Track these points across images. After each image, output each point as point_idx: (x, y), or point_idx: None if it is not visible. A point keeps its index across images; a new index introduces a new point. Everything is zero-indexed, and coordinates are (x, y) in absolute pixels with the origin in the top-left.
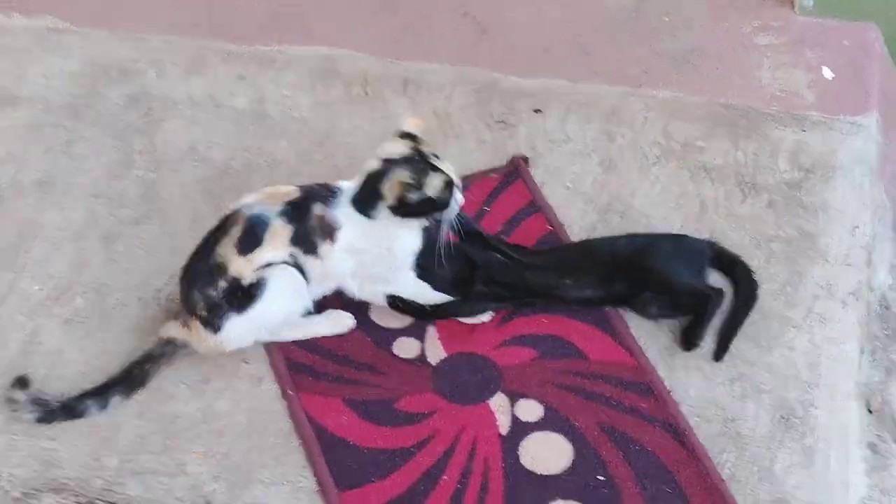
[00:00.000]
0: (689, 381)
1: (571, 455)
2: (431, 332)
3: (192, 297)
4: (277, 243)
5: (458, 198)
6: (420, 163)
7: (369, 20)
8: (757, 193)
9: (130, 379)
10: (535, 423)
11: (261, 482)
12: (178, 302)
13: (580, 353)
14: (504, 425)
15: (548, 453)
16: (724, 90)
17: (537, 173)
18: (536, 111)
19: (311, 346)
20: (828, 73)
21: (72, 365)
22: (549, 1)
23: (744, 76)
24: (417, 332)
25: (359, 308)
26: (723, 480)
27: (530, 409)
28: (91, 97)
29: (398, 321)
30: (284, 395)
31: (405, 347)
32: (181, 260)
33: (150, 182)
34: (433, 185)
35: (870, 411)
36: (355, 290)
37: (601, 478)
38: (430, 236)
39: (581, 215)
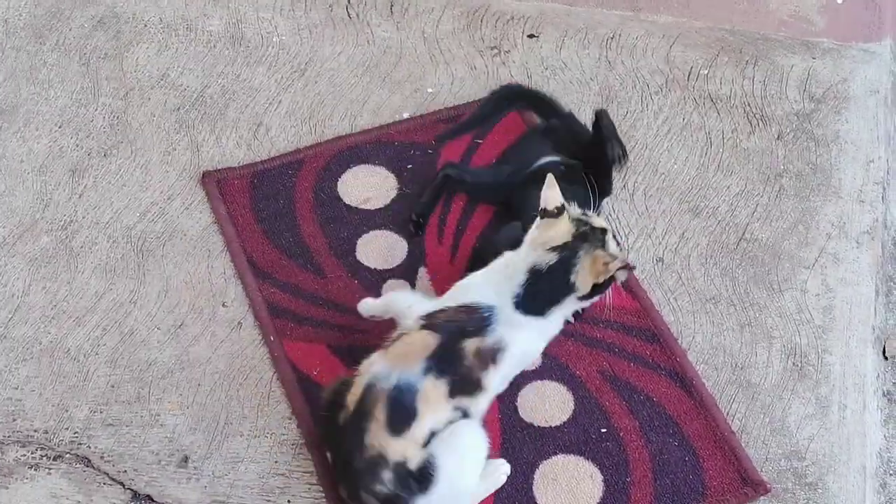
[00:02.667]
0: (696, 325)
1: (572, 406)
2: (423, 273)
3: (363, 499)
4: (435, 406)
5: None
6: (592, 233)
7: None
8: (765, 125)
9: None
10: (533, 371)
11: (241, 435)
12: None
13: None
14: None
15: (547, 404)
16: (730, 15)
17: None
18: (531, 36)
19: (293, 289)
20: None
21: (37, 308)
22: None
23: (750, 0)
24: (408, 274)
25: (345, 253)
26: (733, 432)
27: None
28: (55, 19)
29: (386, 262)
30: (266, 341)
31: (394, 290)
32: (153, 194)
33: (118, 111)
34: (615, 250)
35: (885, 357)
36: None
37: (604, 430)
38: None
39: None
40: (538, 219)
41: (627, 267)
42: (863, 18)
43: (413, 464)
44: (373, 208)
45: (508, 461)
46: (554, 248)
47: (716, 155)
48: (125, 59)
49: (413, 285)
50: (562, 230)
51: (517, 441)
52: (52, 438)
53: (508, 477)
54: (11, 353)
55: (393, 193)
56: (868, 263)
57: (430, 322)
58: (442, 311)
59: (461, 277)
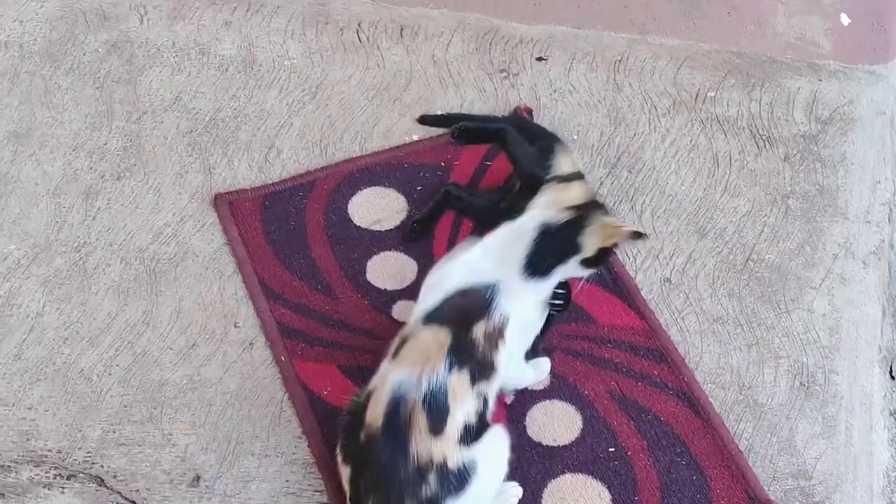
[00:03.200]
0: (704, 345)
1: (580, 425)
2: None
3: None
4: (464, 396)
5: None
6: (600, 202)
7: None
8: (772, 146)
9: None
10: (542, 391)
11: (252, 454)
12: None
13: (589, 316)
14: (509, 394)
15: (555, 423)
16: (737, 38)
17: (542, 125)
18: (540, 59)
19: (303, 309)
20: (845, 19)
21: (51, 329)
22: None
23: (757, 23)
24: (418, 295)
25: (355, 274)
26: (740, 452)
27: None
28: (69, 44)
29: (397, 282)
30: (277, 361)
31: (405, 311)
32: (166, 216)
33: (132, 134)
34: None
35: (892, 377)
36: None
37: (612, 449)
38: None
39: (588, 170)
40: (553, 183)
41: (639, 234)
42: (869, 41)
43: (452, 462)
44: (383, 229)
45: (517, 480)
46: (569, 208)
47: (723, 176)
48: (139, 83)
49: None
50: (577, 193)
51: (525, 460)
52: (65, 458)
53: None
54: (26, 374)
55: (403, 215)
56: (875, 284)
57: (435, 317)
58: (443, 303)
59: None
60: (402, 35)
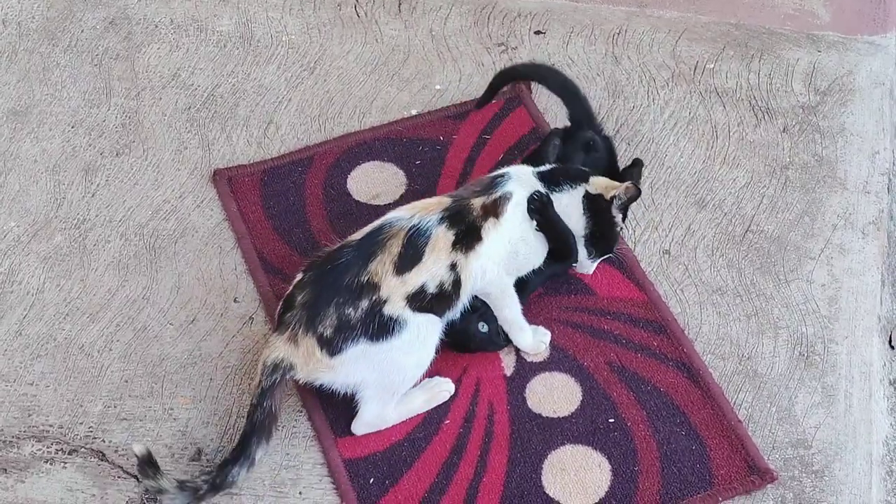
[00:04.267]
0: (703, 316)
1: (580, 396)
2: None
3: (322, 312)
4: (439, 254)
5: None
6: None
7: None
8: (771, 118)
9: (261, 426)
10: (541, 363)
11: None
12: (282, 312)
13: (587, 288)
14: (509, 366)
15: (555, 395)
16: (735, 9)
17: (540, 99)
18: (538, 33)
19: None
20: None
21: (51, 305)
22: None
23: None
24: None
25: None
26: (739, 422)
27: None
28: (67, 21)
29: None
30: None
31: None
32: (165, 192)
33: (130, 111)
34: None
35: (892, 346)
36: (479, 276)
37: (611, 420)
38: None
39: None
40: None
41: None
42: (867, 11)
43: (389, 308)
44: (382, 204)
45: (517, 451)
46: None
47: (722, 148)
48: (137, 59)
49: None
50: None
51: (526, 431)
52: (67, 433)
53: (518, 466)
54: (27, 350)
55: (402, 189)
56: (874, 254)
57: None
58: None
59: None
60: (399, 10)
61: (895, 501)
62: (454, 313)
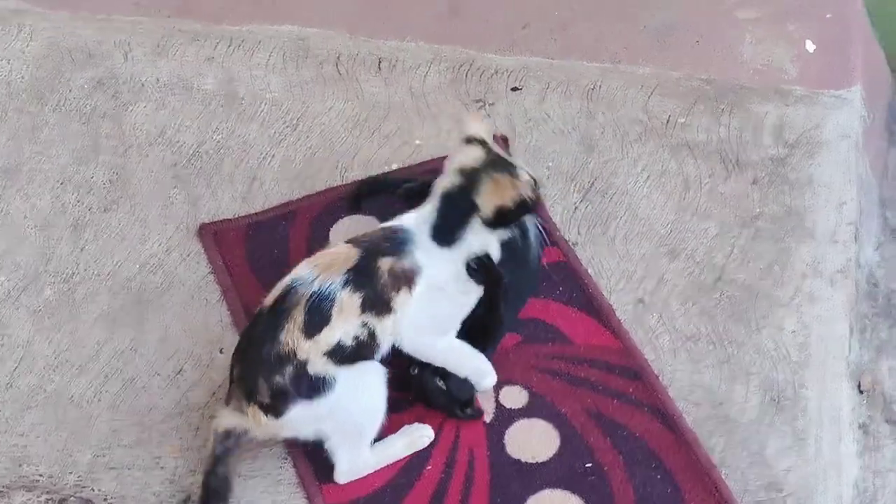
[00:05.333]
0: (677, 363)
1: (558, 442)
2: None
3: (254, 385)
4: (348, 316)
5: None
6: (502, 163)
7: None
8: (741, 170)
9: (215, 492)
10: (520, 409)
11: (239, 475)
12: (230, 386)
13: (564, 336)
14: (488, 413)
15: (534, 441)
16: (705, 65)
17: (517, 153)
18: (514, 89)
19: None
20: (810, 46)
21: (41, 357)
22: None
23: (725, 51)
24: None
25: None
26: (713, 465)
27: (515, 396)
28: (55, 81)
29: None
30: None
31: None
32: (152, 246)
33: (118, 167)
34: (525, 182)
35: (860, 391)
36: (405, 342)
37: (588, 465)
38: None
39: (562, 196)
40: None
41: (535, 189)
42: (834, 66)
43: (312, 367)
44: None
45: (498, 497)
46: (462, 171)
47: (693, 200)
48: (124, 118)
49: None
50: (473, 155)
51: (505, 477)
52: (56, 482)
53: None
54: (17, 402)
55: None
56: (842, 301)
57: (353, 239)
58: (367, 232)
59: None
60: (380, 67)
61: None
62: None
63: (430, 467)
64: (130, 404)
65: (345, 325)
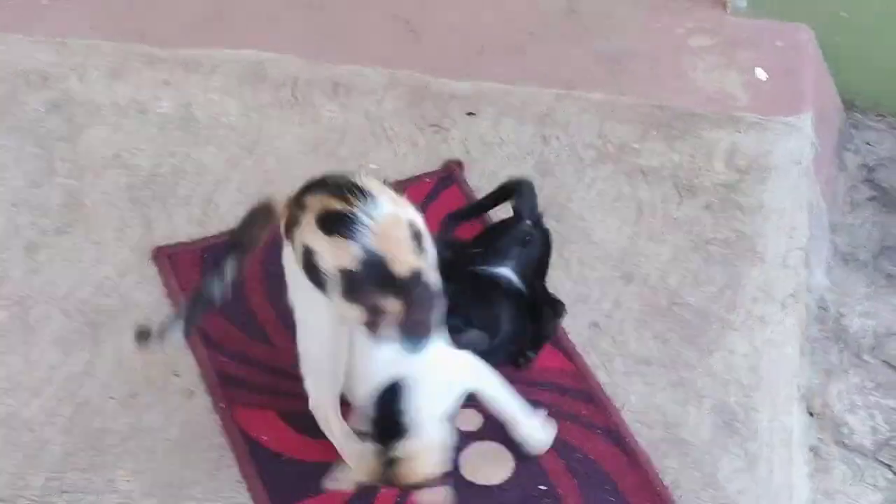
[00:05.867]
0: (630, 386)
1: (512, 465)
2: None
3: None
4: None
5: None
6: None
7: (297, 22)
8: (693, 195)
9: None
10: (475, 432)
11: (194, 498)
12: None
13: None
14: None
15: (488, 464)
16: (658, 92)
17: (472, 177)
18: (469, 114)
19: (243, 358)
20: (761, 74)
21: None
22: (482, 2)
23: (678, 78)
24: None
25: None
26: (666, 487)
27: (469, 419)
28: (10, 103)
29: None
30: (216, 408)
31: None
32: (107, 269)
33: (73, 190)
34: None
35: (811, 414)
36: None
37: (543, 487)
38: None
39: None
40: None
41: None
42: (784, 94)
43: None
44: None
45: None
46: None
47: (647, 224)
48: (79, 140)
49: None
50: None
51: (461, 499)
52: None
53: None
54: None
55: None
56: (793, 325)
57: None
58: None
59: None
60: (335, 92)
61: None
62: None
63: (384, 490)
64: (84, 427)
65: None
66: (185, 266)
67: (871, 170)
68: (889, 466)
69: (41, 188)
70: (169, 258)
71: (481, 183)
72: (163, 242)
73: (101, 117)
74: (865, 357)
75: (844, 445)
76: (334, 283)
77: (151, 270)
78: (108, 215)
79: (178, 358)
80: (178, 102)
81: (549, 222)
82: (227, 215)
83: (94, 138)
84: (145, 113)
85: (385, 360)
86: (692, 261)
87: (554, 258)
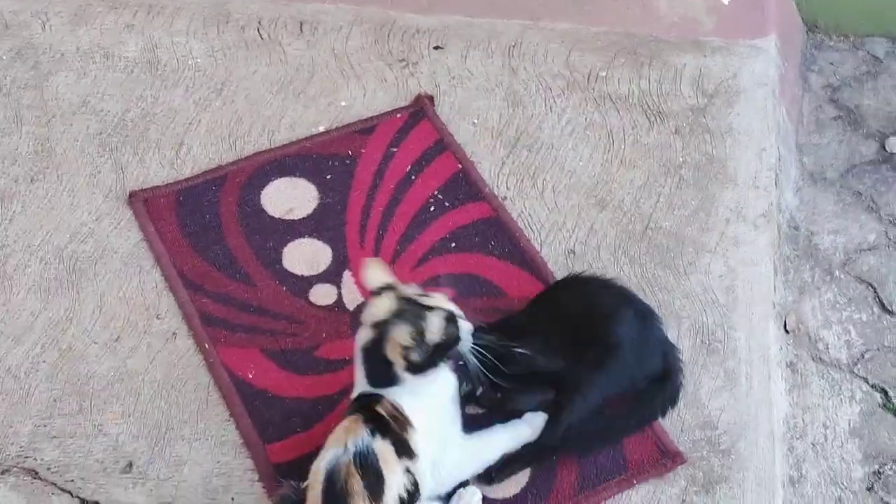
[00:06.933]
0: None
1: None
2: (347, 277)
3: None
4: (392, 465)
5: (466, 326)
6: (411, 310)
7: None
8: (663, 121)
9: None
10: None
11: (182, 438)
12: None
13: (499, 289)
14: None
15: None
16: (623, 20)
17: (442, 111)
18: (437, 48)
19: (224, 298)
20: None
21: None
22: None
23: (642, 5)
24: (333, 279)
25: (272, 262)
26: None
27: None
28: None
29: (312, 268)
30: (200, 348)
31: (322, 294)
32: (82, 215)
33: (42, 138)
34: (434, 328)
35: (787, 331)
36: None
37: None
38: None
39: (489, 151)
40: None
41: (447, 328)
42: (748, 17)
43: None
44: (296, 218)
45: None
46: (374, 326)
47: (618, 151)
48: (45, 88)
49: (339, 289)
50: (382, 306)
51: None
52: None
53: None
54: None
55: (314, 203)
56: (766, 244)
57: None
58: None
59: None
60: (301, 30)
61: (797, 475)
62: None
63: None
64: (69, 373)
65: (394, 476)
66: (161, 209)
67: (835, 90)
68: (865, 379)
69: (10, 137)
70: (144, 202)
71: (451, 116)
72: (137, 186)
73: (66, 64)
74: (837, 273)
75: (821, 360)
76: None
77: (127, 215)
78: (80, 162)
79: (158, 300)
80: (143, 46)
81: (521, 153)
82: (199, 157)
83: (60, 85)
84: (110, 58)
85: None
86: (665, 185)
87: (527, 188)
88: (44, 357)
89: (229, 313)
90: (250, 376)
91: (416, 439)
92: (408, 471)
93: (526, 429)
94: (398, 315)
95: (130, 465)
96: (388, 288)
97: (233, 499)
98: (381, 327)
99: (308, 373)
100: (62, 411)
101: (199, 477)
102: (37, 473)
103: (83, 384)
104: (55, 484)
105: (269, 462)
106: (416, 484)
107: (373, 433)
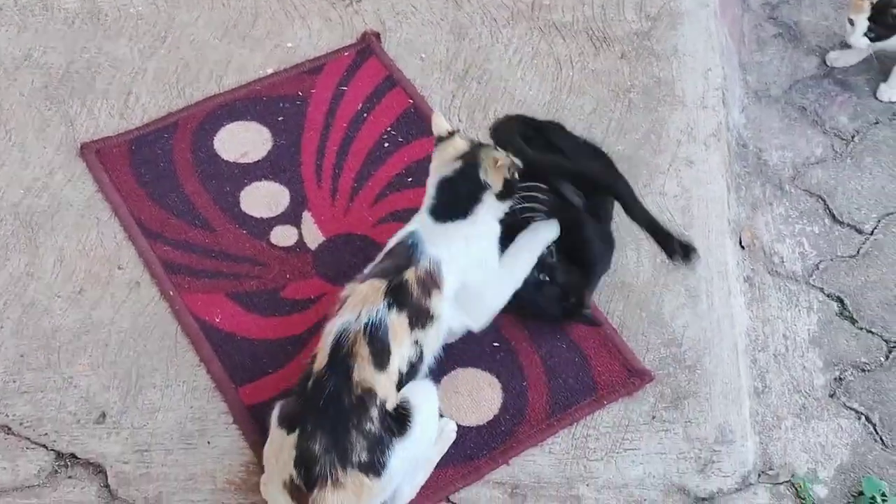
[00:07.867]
0: None
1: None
2: (307, 217)
3: (349, 442)
4: (402, 338)
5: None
6: (488, 145)
7: None
8: (609, 46)
9: None
10: None
11: (154, 386)
12: (306, 472)
13: None
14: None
15: None
16: None
17: (390, 47)
18: None
19: (185, 245)
20: None
21: None
22: None
23: None
24: (293, 219)
25: (230, 206)
26: (614, 330)
27: None
28: None
29: (271, 210)
30: (165, 296)
31: (282, 235)
32: (34, 170)
33: None
34: (510, 159)
35: (742, 247)
36: (455, 327)
37: (496, 343)
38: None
39: (439, 85)
40: (435, 145)
41: (514, 165)
42: None
43: (390, 404)
44: (251, 161)
45: None
46: (457, 158)
47: (566, 78)
48: None
49: (299, 229)
50: (459, 145)
51: None
52: None
53: None
54: None
55: (268, 146)
56: (717, 163)
57: (369, 274)
58: (376, 264)
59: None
60: None
61: (762, 386)
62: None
63: None
64: (34, 328)
65: (401, 349)
66: (114, 159)
67: (773, 7)
68: (821, 289)
69: None
70: (97, 153)
71: (399, 52)
72: (88, 138)
73: (6, 17)
74: (787, 188)
75: (777, 273)
76: None
77: (80, 167)
78: (28, 116)
79: (118, 251)
80: None
81: (470, 84)
82: (148, 105)
83: (1, 39)
84: (50, 9)
85: None
86: (615, 110)
87: (479, 119)
88: (7, 313)
89: (191, 259)
90: (217, 321)
91: (438, 303)
92: (416, 343)
93: (546, 227)
94: (481, 148)
95: (104, 415)
96: (454, 132)
97: (209, 442)
98: (471, 154)
99: (274, 314)
100: (31, 366)
101: (174, 423)
102: (10, 429)
103: (49, 338)
104: (29, 438)
105: (242, 404)
106: (420, 354)
107: (390, 306)
